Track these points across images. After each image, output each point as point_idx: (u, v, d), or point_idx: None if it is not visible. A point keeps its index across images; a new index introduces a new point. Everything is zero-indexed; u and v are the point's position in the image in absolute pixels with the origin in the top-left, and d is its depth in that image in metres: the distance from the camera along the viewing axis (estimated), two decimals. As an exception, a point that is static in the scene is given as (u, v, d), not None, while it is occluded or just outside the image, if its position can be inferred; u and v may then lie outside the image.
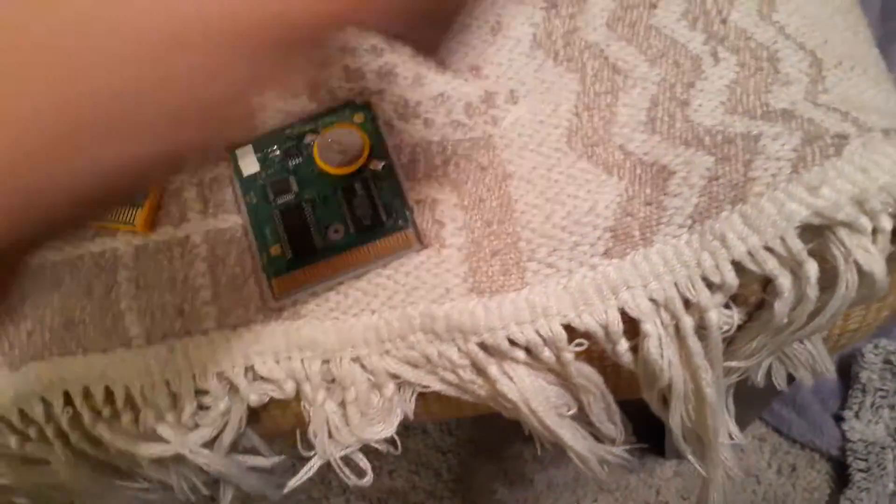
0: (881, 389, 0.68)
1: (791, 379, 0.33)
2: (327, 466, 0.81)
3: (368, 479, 0.32)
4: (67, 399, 0.31)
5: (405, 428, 0.32)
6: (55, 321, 0.31)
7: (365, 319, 0.30)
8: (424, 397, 0.33)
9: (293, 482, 0.31)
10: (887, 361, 0.68)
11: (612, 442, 0.33)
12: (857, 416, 0.68)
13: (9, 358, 0.31)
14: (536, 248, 0.29)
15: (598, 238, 0.28)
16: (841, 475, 0.70)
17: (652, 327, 0.28)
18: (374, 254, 0.29)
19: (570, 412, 0.31)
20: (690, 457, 0.32)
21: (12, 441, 0.31)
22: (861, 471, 0.66)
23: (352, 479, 0.32)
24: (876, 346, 0.68)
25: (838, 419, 0.70)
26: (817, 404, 0.71)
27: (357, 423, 0.31)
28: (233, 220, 0.31)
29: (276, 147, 0.31)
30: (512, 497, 0.77)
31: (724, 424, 0.30)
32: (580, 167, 0.29)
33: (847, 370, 0.72)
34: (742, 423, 0.69)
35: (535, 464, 0.77)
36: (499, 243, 0.29)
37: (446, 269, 0.29)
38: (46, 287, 0.31)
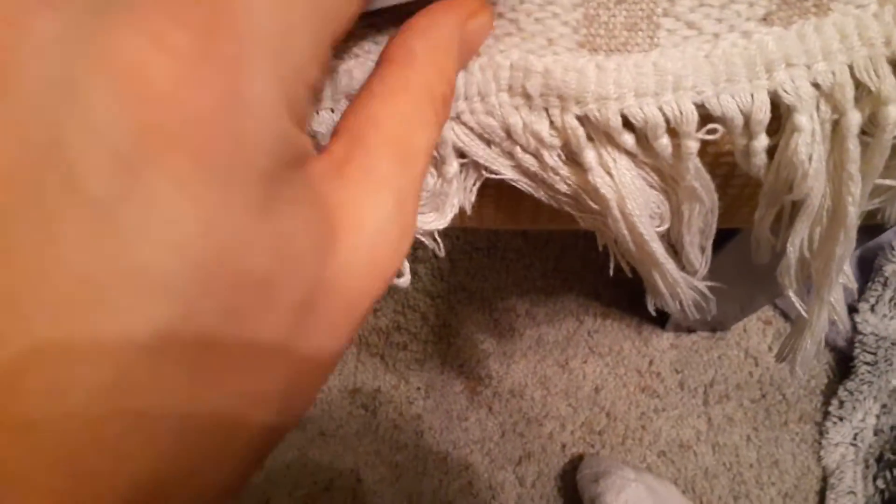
0: (904, 285, 0.65)
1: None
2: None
3: (406, 279, 0.27)
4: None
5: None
6: None
7: (435, 70, 0.23)
8: (481, 195, 0.27)
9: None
10: (919, 257, 0.64)
11: (692, 276, 0.28)
12: (872, 309, 0.65)
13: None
14: (677, 0, 0.22)
15: (759, -5, 0.22)
16: (842, 366, 0.68)
17: (807, 120, 0.22)
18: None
19: (661, 227, 0.26)
20: (792, 295, 0.27)
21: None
22: (867, 363, 0.64)
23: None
24: (909, 241, 0.65)
25: (850, 310, 0.67)
26: (832, 293, 0.68)
27: (405, 204, 0.25)
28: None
29: None
30: (498, 349, 0.74)
31: (848, 257, 0.25)
32: None
33: (868, 263, 0.68)
34: (755, 305, 0.66)
35: (527, 319, 0.74)
36: (628, -13, 0.22)
37: (553, 12, 0.22)
38: None
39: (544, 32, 0.22)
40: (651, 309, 0.30)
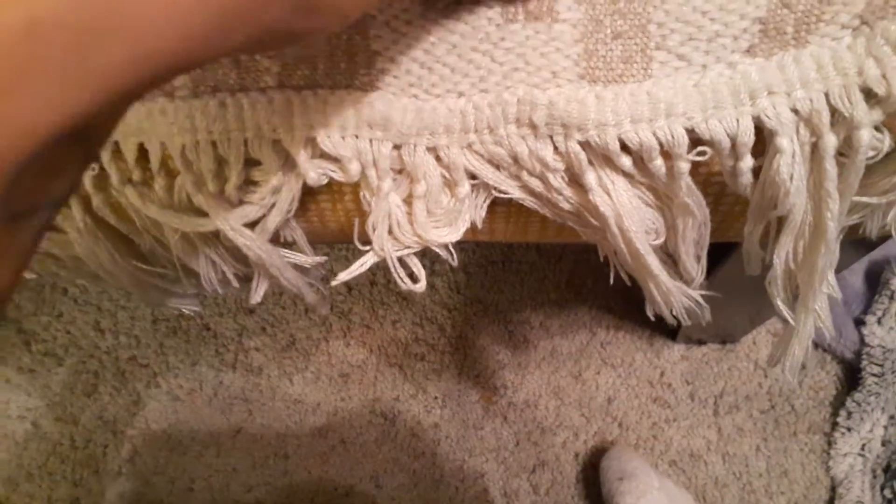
0: (911, 298, 0.66)
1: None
2: (330, 307, 0.78)
3: (422, 285, 0.29)
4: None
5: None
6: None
7: (450, 102, 0.26)
8: (492, 212, 0.29)
9: (343, 276, 0.28)
10: (926, 271, 0.65)
11: (689, 283, 0.31)
12: (879, 322, 0.67)
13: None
14: (668, 35, 0.24)
15: (743, 30, 0.24)
16: (850, 378, 0.69)
17: (788, 143, 0.24)
18: None
19: (657, 241, 0.28)
20: (779, 303, 0.29)
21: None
22: (874, 375, 0.66)
23: (406, 284, 0.29)
24: (915, 255, 0.66)
25: (858, 323, 0.69)
26: (840, 306, 0.69)
27: (422, 221, 0.28)
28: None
29: None
30: (513, 360, 0.76)
31: (832, 268, 0.27)
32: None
33: (875, 276, 0.70)
34: (763, 316, 0.68)
35: (541, 330, 0.76)
36: (624, 24, 0.24)
37: (556, 47, 0.25)
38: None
39: (549, 66, 0.25)
40: (650, 314, 0.33)
